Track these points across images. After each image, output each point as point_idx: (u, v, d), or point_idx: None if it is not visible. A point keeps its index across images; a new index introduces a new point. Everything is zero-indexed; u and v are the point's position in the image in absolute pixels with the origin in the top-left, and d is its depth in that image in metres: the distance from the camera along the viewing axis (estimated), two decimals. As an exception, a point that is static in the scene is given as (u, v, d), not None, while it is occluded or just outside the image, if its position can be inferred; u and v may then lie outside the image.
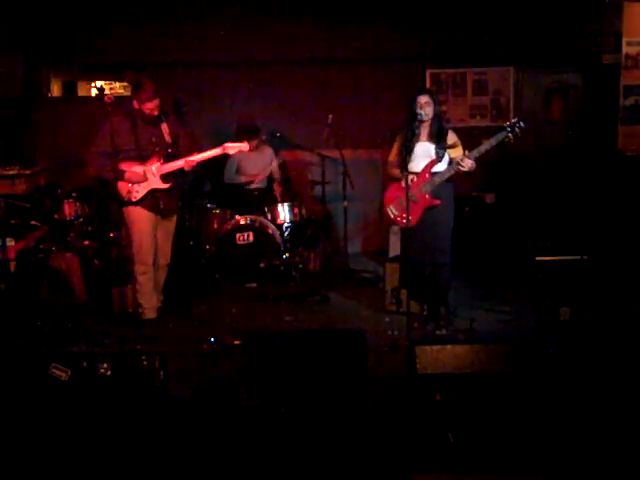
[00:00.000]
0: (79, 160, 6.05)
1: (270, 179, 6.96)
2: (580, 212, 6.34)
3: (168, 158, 5.01)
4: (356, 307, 5.73)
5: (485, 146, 4.62)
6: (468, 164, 4.61)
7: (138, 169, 4.96)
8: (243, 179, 6.76)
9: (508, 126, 4.62)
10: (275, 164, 6.97)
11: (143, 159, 4.97)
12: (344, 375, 3.59)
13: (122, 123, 4.92)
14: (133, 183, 4.96)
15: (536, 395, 3.36)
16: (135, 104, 4.95)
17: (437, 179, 4.74)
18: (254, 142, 6.62)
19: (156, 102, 4.91)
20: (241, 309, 5.68)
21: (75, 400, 3.36)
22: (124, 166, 4.93)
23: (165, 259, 5.26)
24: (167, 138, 5.06)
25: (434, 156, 4.76)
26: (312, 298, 5.90)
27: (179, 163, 4.99)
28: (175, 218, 5.33)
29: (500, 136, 4.61)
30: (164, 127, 5.06)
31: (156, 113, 4.95)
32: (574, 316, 4.95)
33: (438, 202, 4.75)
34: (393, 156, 4.96)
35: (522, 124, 4.59)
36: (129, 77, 7.32)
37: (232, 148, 5.09)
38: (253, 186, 6.79)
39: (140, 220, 5.03)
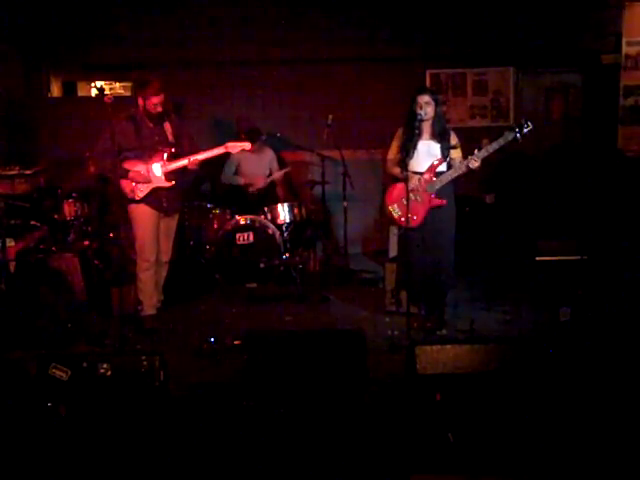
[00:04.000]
0: (79, 160, 6.08)
1: (273, 183, 6.95)
2: (580, 212, 6.34)
3: (171, 157, 5.03)
4: (356, 307, 5.73)
5: (492, 146, 4.61)
6: (476, 164, 4.60)
7: (141, 168, 4.98)
8: (241, 181, 6.76)
9: (516, 126, 4.61)
10: (276, 167, 6.97)
11: (146, 158, 4.99)
12: (344, 375, 3.58)
13: (124, 123, 4.94)
14: (137, 182, 4.98)
15: (536, 395, 3.36)
16: (140, 101, 4.98)
17: (443, 179, 4.73)
18: (255, 144, 6.62)
19: (161, 97, 4.94)
20: (241, 309, 5.68)
21: (75, 400, 3.36)
22: (127, 165, 4.96)
23: (166, 256, 5.29)
24: (170, 137, 5.10)
25: (437, 154, 4.75)
26: (312, 298, 5.90)
27: (183, 162, 5.00)
28: (177, 216, 5.37)
29: (508, 137, 4.59)
30: (167, 126, 5.10)
31: (160, 110, 4.97)
32: (574, 316, 4.95)
33: (444, 202, 4.74)
34: (392, 154, 4.94)
35: (529, 125, 4.58)
36: (135, 75, 7.32)
37: (234, 147, 5.12)
38: (251, 188, 6.79)
39: (143, 218, 5.06)
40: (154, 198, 5.04)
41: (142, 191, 5.00)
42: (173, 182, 5.05)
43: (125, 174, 4.95)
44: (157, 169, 5.00)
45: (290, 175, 7.22)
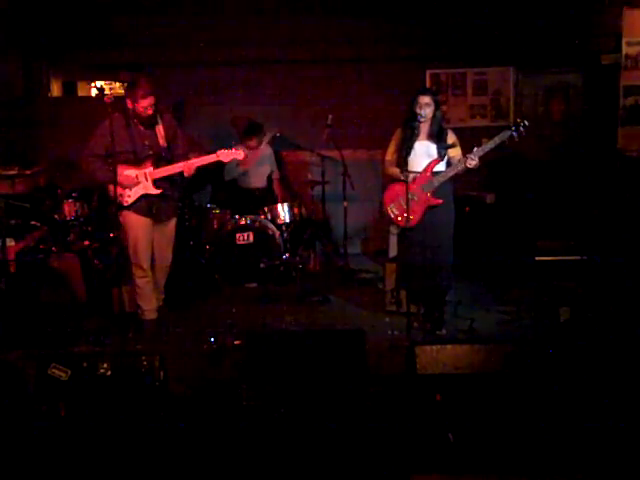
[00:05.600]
0: (77, 160, 6.06)
1: (270, 179, 6.96)
2: (580, 212, 6.34)
3: (161, 162, 4.91)
4: (356, 307, 5.73)
5: (490, 144, 4.62)
6: (473, 163, 4.61)
7: (131, 173, 4.86)
8: (241, 169, 6.71)
9: (513, 125, 4.63)
10: (275, 166, 6.98)
11: (136, 163, 4.87)
12: (344, 375, 3.58)
13: (115, 125, 4.75)
14: (125, 187, 4.86)
15: (536, 395, 3.36)
16: (129, 103, 4.84)
17: (440, 178, 4.74)
18: (258, 140, 6.62)
19: (151, 100, 4.79)
20: (241, 309, 5.67)
21: (75, 400, 3.36)
22: (117, 169, 4.74)
23: (166, 262, 5.19)
24: (161, 141, 4.96)
25: (434, 155, 4.77)
26: (312, 298, 5.89)
27: (177, 166, 4.90)
28: (173, 222, 5.21)
29: (505, 135, 4.61)
30: (159, 129, 4.96)
31: (150, 112, 4.83)
32: (574, 316, 4.95)
33: (440, 201, 4.74)
34: (390, 155, 4.95)
35: (526, 123, 4.60)
36: (123, 76, 7.30)
37: (226, 155, 4.97)
38: (253, 186, 6.80)
39: (133, 225, 4.95)
40: (143, 205, 4.91)
41: (130, 197, 4.89)
42: (162, 189, 4.92)
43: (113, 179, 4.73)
44: (146, 175, 4.87)
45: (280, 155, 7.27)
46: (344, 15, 7.24)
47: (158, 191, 4.92)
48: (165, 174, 4.92)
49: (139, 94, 4.77)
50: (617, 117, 7.10)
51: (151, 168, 4.89)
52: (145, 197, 4.92)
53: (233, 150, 5.03)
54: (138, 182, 4.88)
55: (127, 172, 4.85)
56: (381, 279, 5.82)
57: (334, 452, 3.17)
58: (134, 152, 4.87)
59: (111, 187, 4.77)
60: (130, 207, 4.92)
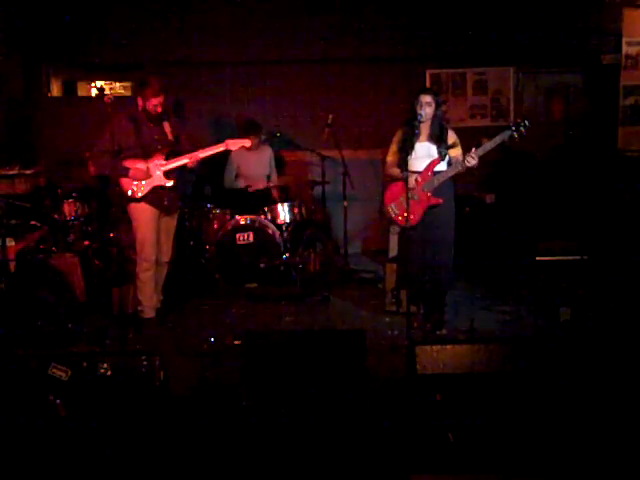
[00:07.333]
0: (79, 160, 6.07)
1: (268, 179, 6.96)
2: (580, 212, 6.34)
3: (171, 155, 5.04)
4: (356, 307, 5.73)
5: (490, 144, 4.60)
6: (473, 162, 4.60)
7: (142, 166, 4.98)
8: (242, 183, 6.76)
9: (513, 125, 4.62)
10: (273, 166, 6.97)
11: (146, 157, 5.00)
12: (344, 375, 3.58)
13: (124, 123, 4.95)
14: (137, 180, 4.98)
15: (536, 395, 3.36)
16: (139, 101, 5.00)
17: (440, 178, 4.74)
18: (256, 138, 6.63)
19: (161, 98, 4.95)
20: (241, 309, 5.68)
21: (75, 400, 3.36)
22: (127, 164, 4.96)
23: (166, 256, 5.27)
24: (169, 136, 5.11)
25: (435, 155, 4.77)
26: (312, 298, 5.90)
27: (183, 160, 5.01)
28: (176, 215, 5.36)
29: (505, 135, 4.60)
30: (166, 125, 5.11)
31: (160, 110, 4.98)
32: (574, 316, 4.95)
33: (440, 201, 4.74)
34: (391, 155, 4.95)
35: (527, 123, 4.58)
36: (134, 76, 7.32)
37: (234, 144, 5.14)
38: (250, 189, 6.79)
39: (144, 217, 5.05)
40: (155, 197, 5.04)
41: (142, 190, 5.01)
42: (173, 180, 5.05)
43: (125, 172, 4.95)
44: (157, 167, 5.00)
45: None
46: (344, 15, 7.25)
47: (170, 182, 5.03)
48: (176, 166, 5.04)
49: (150, 92, 4.93)
50: (617, 117, 7.10)
51: (162, 161, 4.99)
52: (156, 189, 5.03)
53: (240, 140, 5.18)
54: (150, 174, 4.98)
55: (138, 165, 4.98)
56: (381, 279, 5.82)
57: (334, 452, 3.17)
58: (143, 147, 4.99)
59: (123, 182, 4.98)
60: (142, 199, 5.02)
